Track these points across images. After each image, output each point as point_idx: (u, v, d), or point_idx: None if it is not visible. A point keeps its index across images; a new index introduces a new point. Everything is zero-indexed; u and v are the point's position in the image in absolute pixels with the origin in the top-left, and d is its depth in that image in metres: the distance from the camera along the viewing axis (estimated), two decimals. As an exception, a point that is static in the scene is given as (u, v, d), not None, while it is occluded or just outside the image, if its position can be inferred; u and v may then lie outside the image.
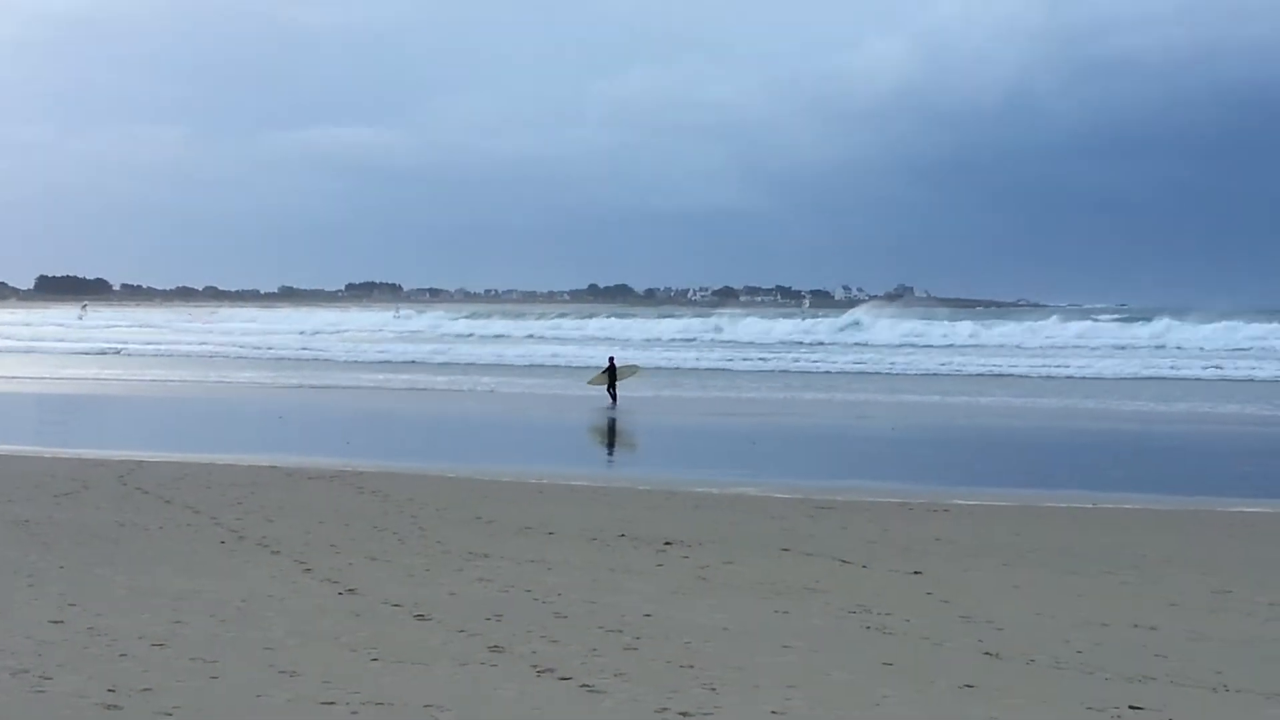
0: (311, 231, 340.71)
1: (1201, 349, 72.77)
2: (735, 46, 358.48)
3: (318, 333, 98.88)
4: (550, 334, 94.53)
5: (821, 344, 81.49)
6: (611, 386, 43.68)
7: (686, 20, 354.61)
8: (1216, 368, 60.34)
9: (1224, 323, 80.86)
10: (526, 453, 29.53)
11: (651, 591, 13.65)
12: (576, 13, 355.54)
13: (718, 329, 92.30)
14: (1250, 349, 71.59)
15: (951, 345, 79.57)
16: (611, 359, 46.37)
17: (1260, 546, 17.11)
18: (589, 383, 46.82)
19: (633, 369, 47.21)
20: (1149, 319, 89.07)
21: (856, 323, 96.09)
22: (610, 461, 28.95)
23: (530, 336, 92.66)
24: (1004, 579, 14.71)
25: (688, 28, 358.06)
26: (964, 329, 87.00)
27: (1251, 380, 55.58)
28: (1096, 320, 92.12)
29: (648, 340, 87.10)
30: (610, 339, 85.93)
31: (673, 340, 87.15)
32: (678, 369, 63.51)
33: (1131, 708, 9.53)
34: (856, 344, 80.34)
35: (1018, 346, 77.48)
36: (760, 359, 68.30)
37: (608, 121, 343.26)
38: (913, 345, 79.95)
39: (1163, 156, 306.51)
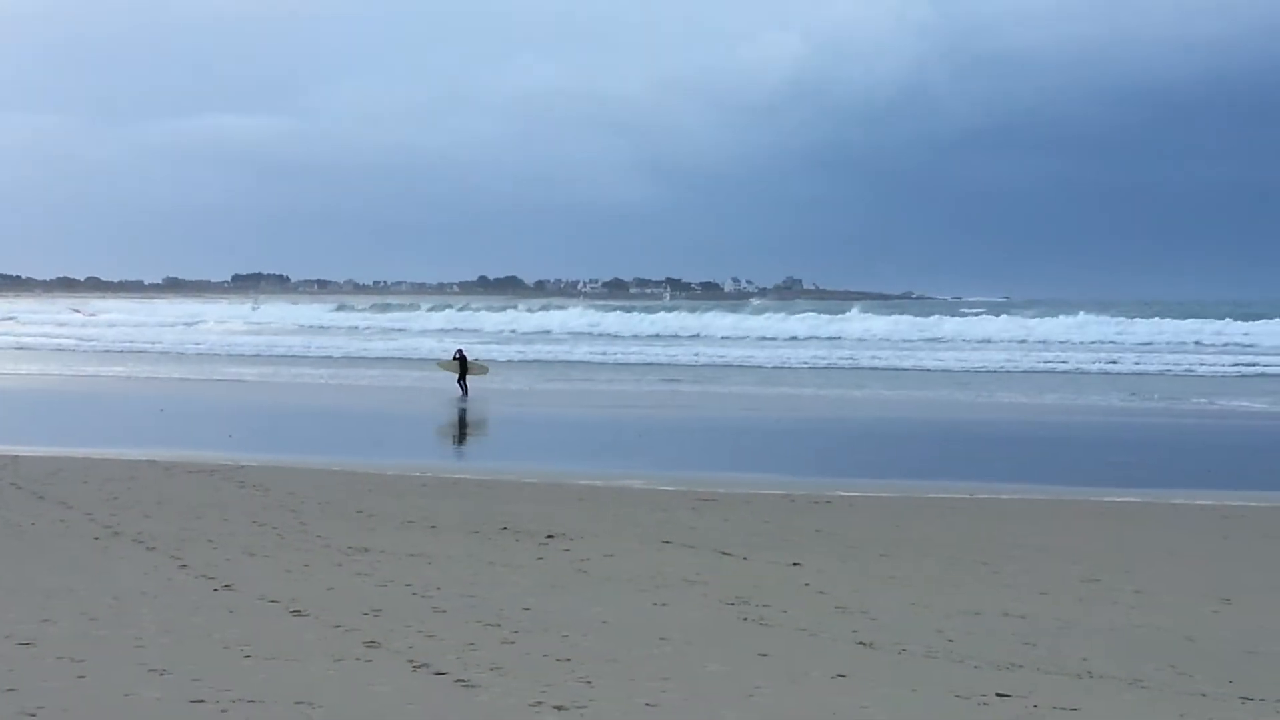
0: (197, 221, 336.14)
1: (1077, 341, 74.20)
2: (629, 38, 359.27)
3: (173, 325, 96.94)
4: (406, 326, 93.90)
5: (703, 337, 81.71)
6: (462, 379, 43.83)
7: (580, 11, 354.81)
8: (1111, 361, 61.40)
9: (1093, 315, 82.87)
10: (397, 446, 29.37)
11: (531, 585, 13.65)
12: (469, 2, 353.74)
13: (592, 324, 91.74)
14: (1120, 342, 73.29)
15: (835, 338, 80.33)
16: (460, 351, 46.80)
17: (1128, 535, 17.51)
18: (439, 365, 48.00)
19: (483, 368, 47.40)
20: (1030, 312, 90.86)
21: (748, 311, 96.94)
22: (482, 454, 28.85)
23: (397, 330, 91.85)
24: (881, 570, 14.91)
25: (581, 19, 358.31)
26: (847, 322, 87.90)
27: (1122, 373, 56.72)
28: (968, 315, 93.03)
29: (534, 332, 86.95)
30: (476, 330, 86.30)
31: (553, 334, 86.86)
32: (564, 362, 63.56)
33: (999, 695, 9.72)
34: (741, 338, 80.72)
35: (903, 340, 78.43)
36: (638, 352, 68.45)
37: (500, 112, 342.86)
38: (796, 338, 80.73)
39: (1050, 151, 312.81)
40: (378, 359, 65.01)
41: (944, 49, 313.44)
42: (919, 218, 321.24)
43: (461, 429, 34.36)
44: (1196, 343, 72.78)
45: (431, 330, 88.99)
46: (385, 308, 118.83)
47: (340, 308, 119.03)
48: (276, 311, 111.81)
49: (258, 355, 67.16)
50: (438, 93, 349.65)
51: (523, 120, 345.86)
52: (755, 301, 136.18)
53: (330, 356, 66.71)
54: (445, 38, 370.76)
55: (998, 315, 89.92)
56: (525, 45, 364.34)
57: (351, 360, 64.16)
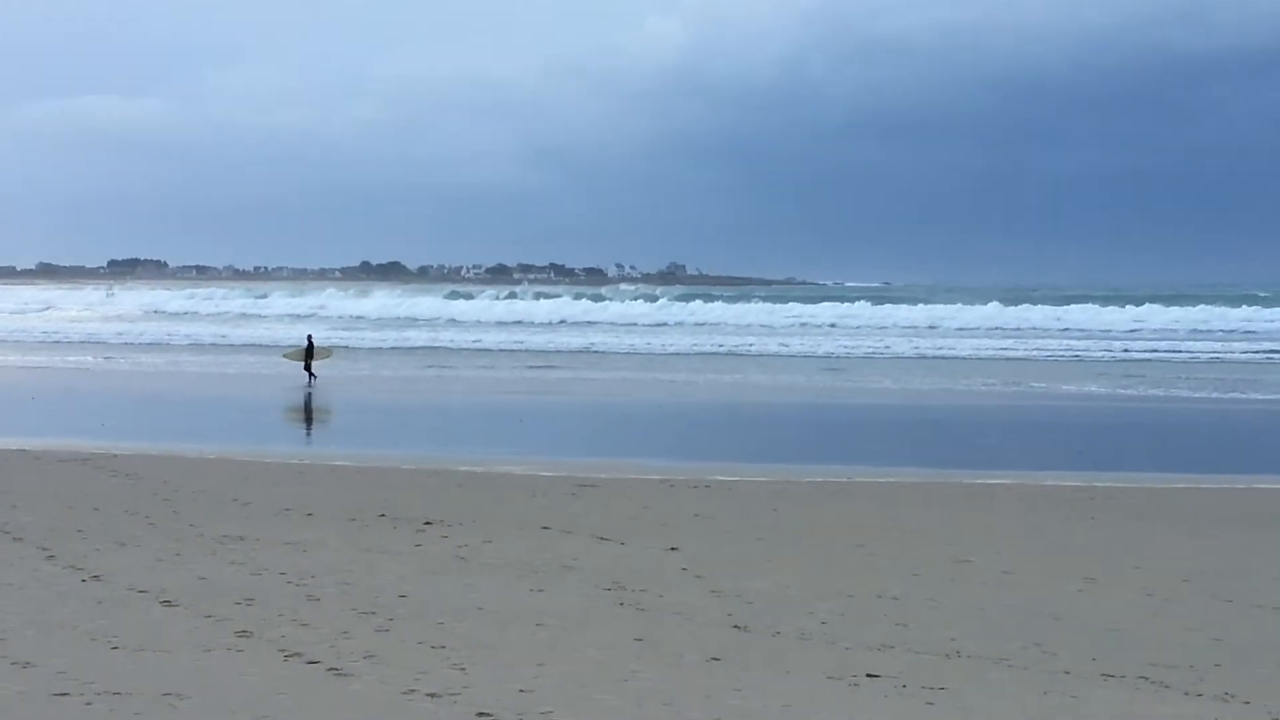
0: (73, 206, 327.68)
1: (954, 328, 75.48)
2: (516, 24, 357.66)
3: (23, 312, 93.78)
4: (264, 312, 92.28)
5: (594, 324, 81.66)
6: (308, 365, 43.44)
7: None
8: (1002, 348, 62.37)
9: (966, 306, 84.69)
10: (255, 433, 29.04)
11: (408, 572, 13.59)
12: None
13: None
14: (999, 328, 74.72)
15: (705, 324, 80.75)
16: (310, 337, 46.59)
17: (999, 516, 17.85)
18: (284, 356, 47.47)
19: (327, 351, 47.13)
20: (912, 299, 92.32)
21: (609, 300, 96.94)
22: (359, 441, 28.59)
23: (256, 315, 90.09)
24: (757, 553, 15.04)
25: (469, 4, 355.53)
26: (726, 308, 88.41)
27: (994, 358, 57.67)
28: (841, 303, 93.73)
29: (394, 319, 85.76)
30: (342, 316, 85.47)
31: (412, 319, 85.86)
32: (433, 349, 63.25)
33: (869, 676, 9.88)
34: (628, 324, 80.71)
35: (780, 325, 79.15)
36: (517, 341, 68.10)
37: (386, 98, 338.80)
38: (665, 324, 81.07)
39: (930, 138, 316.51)
40: (234, 346, 63.39)
41: (825, 36, 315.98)
42: (801, 204, 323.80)
43: (308, 416, 33.85)
44: (1066, 330, 74.52)
45: (289, 316, 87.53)
46: (257, 293, 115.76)
47: (195, 296, 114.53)
48: (134, 298, 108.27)
49: (102, 343, 64.61)
50: (326, 79, 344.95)
51: (409, 105, 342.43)
52: (624, 287, 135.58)
53: (173, 344, 64.47)
54: (335, 24, 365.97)
55: (880, 304, 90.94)
56: (413, 31, 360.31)
57: (201, 347, 62.25)
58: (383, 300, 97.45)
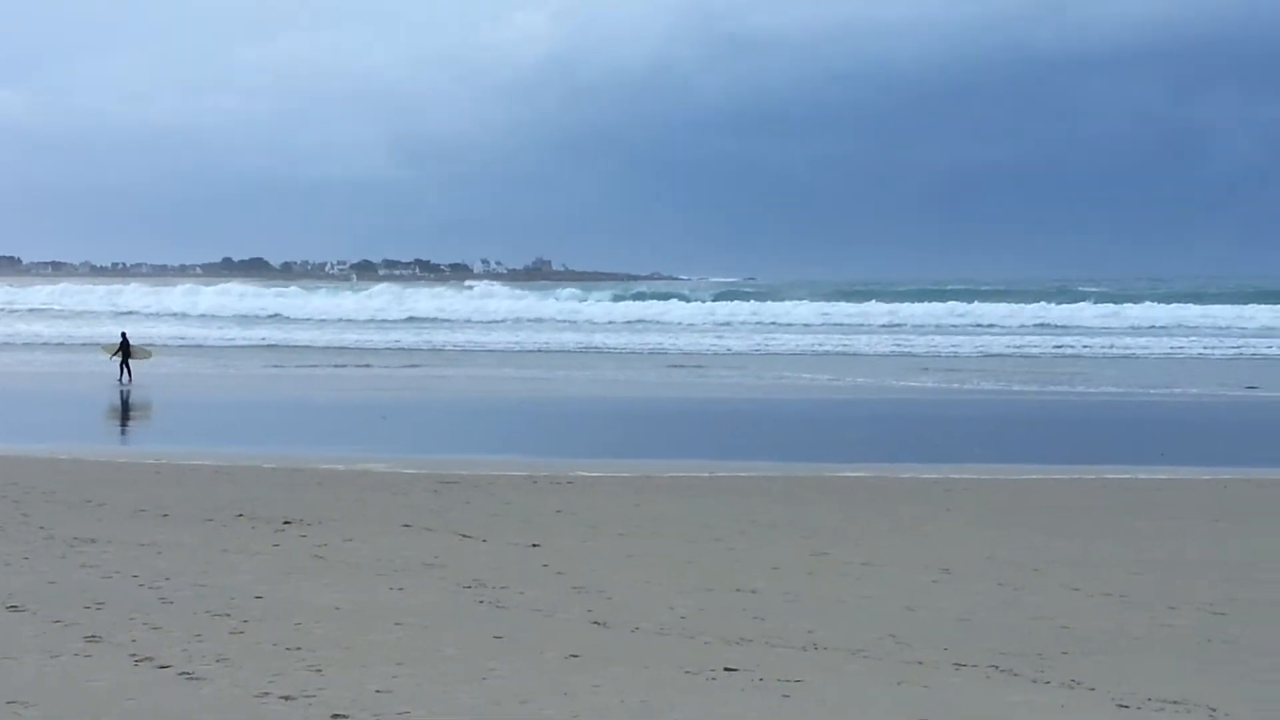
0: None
1: (818, 325, 76.46)
2: (387, 16, 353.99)
3: None
4: (96, 309, 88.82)
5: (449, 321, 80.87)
6: (125, 363, 42.57)
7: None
8: (897, 344, 63.17)
9: (825, 303, 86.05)
10: (106, 434, 28.47)
11: (265, 572, 13.40)
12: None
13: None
14: (862, 324, 75.99)
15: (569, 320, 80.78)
16: (124, 334, 45.63)
17: (858, 509, 18.10)
18: (103, 349, 46.49)
19: (147, 352, 46.27)
20: (760, 296, 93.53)
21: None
22: (214, 438, 28.14)
23: (90, 312, 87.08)
24: (619, 549, 15.09)
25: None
26: (590, 305, 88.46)
27: (856, 354, 58.54)
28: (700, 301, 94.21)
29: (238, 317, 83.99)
30: (181, 314, 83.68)
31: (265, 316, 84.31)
32: (294, 347, 62.48)
33: (726, 669, 9.96)
34: (492, 322, 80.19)
35: (637, 321, 79.57)
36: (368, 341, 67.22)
37: (255, 89, 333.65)
38: (519, 319, 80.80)
39: (800, 132, 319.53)
40: (72, 344, 61.20)
41: (693, 31, 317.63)
42: (669, 198, 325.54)
43: (124, 413, 33.27)
44: (937, 325, 75.93)
45: (141, 314, 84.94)
46: (114, 290, 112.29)
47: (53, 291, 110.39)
48: None
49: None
50: (194, 71, 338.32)
51: (275, 98, 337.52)
52: (471, 284, 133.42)
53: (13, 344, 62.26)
54: (201, 14, 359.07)
55: (746, 300, 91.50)
56: (288, 24, 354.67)
57: (49, 347, 60.68)
58: (237, 297, 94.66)
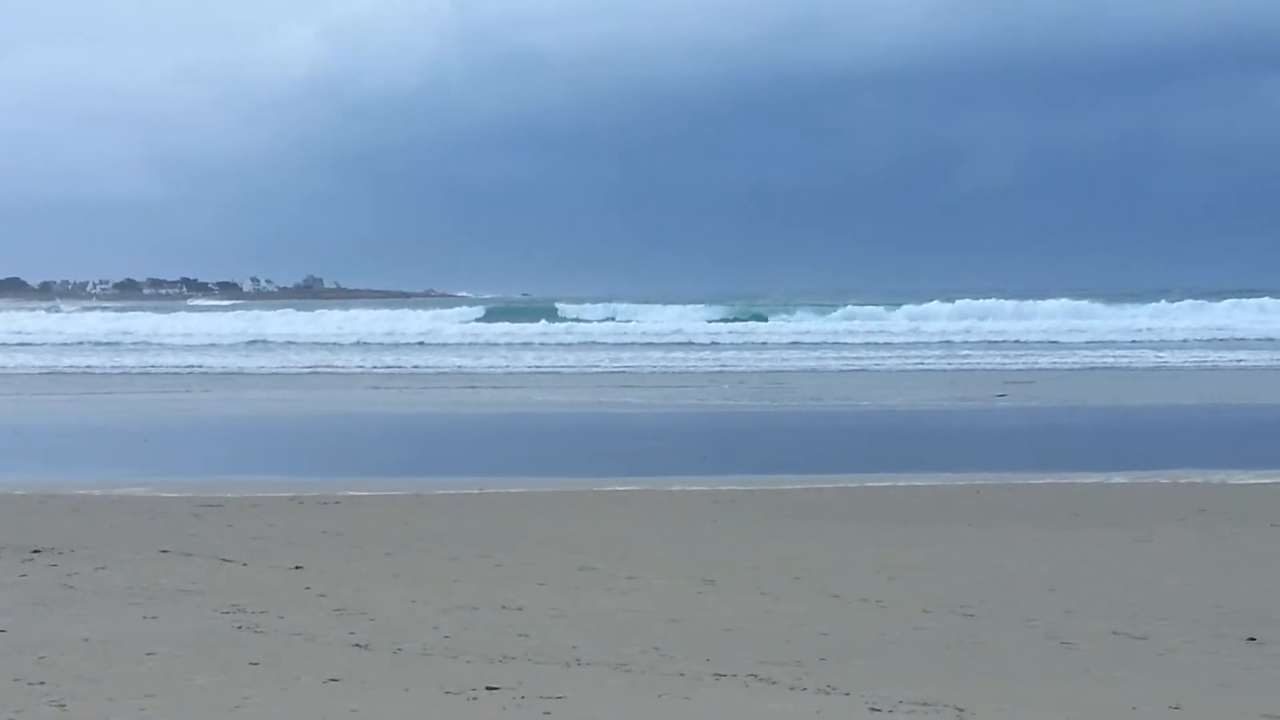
0: None
1: (578, 342, 76.57)
2: (136, 30, 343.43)
3: None
4: None
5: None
6: None
7: (81, 1, 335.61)
8: (668, 359, 63.42)
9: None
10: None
11: (10, 605, 12.87)
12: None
13: None
14: (633, 341, 76.35)
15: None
16: None
17: (626, 522, 18.21)
18: None
19: None
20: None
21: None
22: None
23: None
24: (384, 568, 14.90)
25: (82, 8, 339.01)
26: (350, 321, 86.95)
27: (632, 370, 58.97)
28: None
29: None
30: None
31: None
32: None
33: (488, 688, 9.91)
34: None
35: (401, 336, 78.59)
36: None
37: (2, 107, 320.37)
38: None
39: (572, 150, 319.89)
40: None
41: (465, 48, 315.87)
42: (443, 215, 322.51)
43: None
44: (715, 342, 76.66)
45: None
46: None
47: None
48: None
49: None
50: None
51: (27, 115, 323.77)
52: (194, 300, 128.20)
53: None
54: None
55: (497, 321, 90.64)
56: (26, 37, 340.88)
57: None
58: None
